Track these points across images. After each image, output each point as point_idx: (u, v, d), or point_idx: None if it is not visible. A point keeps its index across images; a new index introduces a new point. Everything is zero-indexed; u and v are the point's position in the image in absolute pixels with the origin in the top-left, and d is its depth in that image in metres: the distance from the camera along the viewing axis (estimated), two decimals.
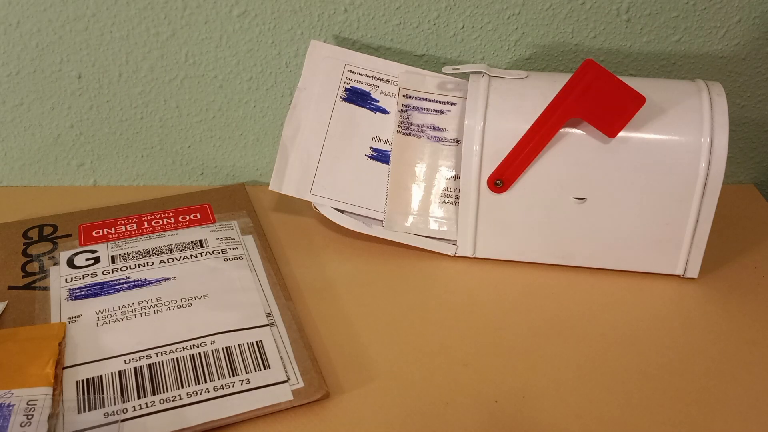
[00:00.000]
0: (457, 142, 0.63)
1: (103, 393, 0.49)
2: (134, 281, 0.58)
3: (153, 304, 0.56)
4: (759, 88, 0.71)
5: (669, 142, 0.58)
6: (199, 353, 0.52)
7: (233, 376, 0.51)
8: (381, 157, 0.65)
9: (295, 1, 0.65)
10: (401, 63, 0.65)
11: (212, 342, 0.53)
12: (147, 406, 0.48)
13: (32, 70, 0.67)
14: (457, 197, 0.63)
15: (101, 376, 0.50)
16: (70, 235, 0.64)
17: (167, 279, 0.58)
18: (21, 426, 0.45)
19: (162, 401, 0.49)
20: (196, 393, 0.49)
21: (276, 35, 0.67)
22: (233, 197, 0.70)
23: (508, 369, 0.53)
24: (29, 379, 0.49)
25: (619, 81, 0.57)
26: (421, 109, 0.63)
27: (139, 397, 0.49)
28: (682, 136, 0.58)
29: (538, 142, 0.58)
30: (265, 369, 0.51)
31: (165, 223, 0.65)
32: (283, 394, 0.50)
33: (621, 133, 0.58)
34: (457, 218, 0.63)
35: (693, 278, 0.62)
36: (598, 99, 0.57)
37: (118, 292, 0.57)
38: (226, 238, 0.63)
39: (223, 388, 0.50)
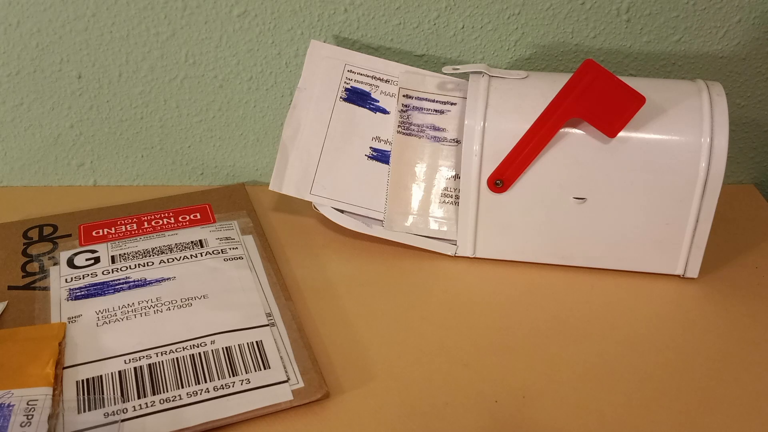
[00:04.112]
0: (457, 142, 0.63)
1: (103, 393, 0.49)
2: (134, 281, 0.58)
3: (153, 304, 0.56)
4: (759, 88, 0.71)
5: (669, 142, 0.58)
6: (199, 353, 0.52)
7: (233, 376, 0.51)
8: (381, 157, 0.65)
9: (295, 1, 0.65)
10: (401, 63, 0.65)
11: (212, 342, 0.53)
12: (147, 406, 0.48)
13: (32, 70, 0.67)
14: (457, 197, 0.63)
15: (101, 376, 0.50)
16: (70, 235, 0.64)
17: (167, 279, 0.58)
18: (21, 426, 0.45)
19: (162, 401, 0.49)
20: (196, 393, 0.49)
21: (276, 35, 0.67)
22: (233, 197, 0.70)
23: (508, 369, 0.53)
24: (29, 379, 0.49)
25: (619, 81, 0.57)
26: (421, 109, 0.63)
27: (139, 397, 0.49)
28: (682, 136, 0.58)
29: (538, 142, 0.58)
30: (265, 369, 0.51)
31: (165, 223, 0.65)
32: (283, 394, 0.50)
33: (621, 133, 0.58)
34: (457, 218, 0.63)
35: (693, 278, 0.62)
36: (598, 99, 0.57)
37: (118, 292, 0.57)
38: (226, 238, 0.63)
39: (223, 388, 0.50)
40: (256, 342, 0.53)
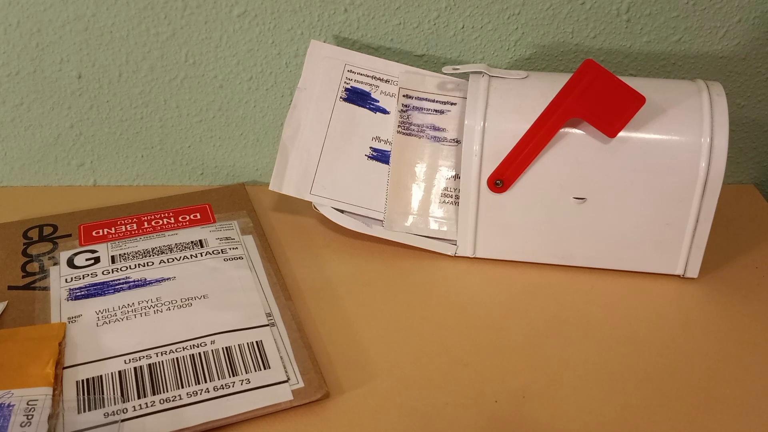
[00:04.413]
0: (457, 142, 0.63)
1: (103, 393, 0.49)
2: (134, 281, 0.58)
3: (153, 304, 0.56)
4: (759, 88, 0.71)
5: (669, 142, 0.58)
6: (199, 353, 0.52)
7: (233, 376, 0.51)
8: (381, 157, 0.65)
9: (295, 1, 0.65)
10: (401, 63, 0.65)
11: (212, 342, 0.53)
12: (147, 406, 0.48)
13: (32, 70, 0.67)
14: (457, 197, 0.63)
15: (101, 376, 0.50)
16: (70, 235, 0.64)
17: (167, 279, 0.58)
18: (21, 426, 0.45)
19: (162, 401, 0.49)
20: (196, 393, 0.49)
21: (276, 35, 0.67)
22: (233, 197, 0.70)
23: (508, 369, 0.53)
24: (29, 379, 0.49)
25: (619, 81, 0.57)
26: (421, 109, 0.63)
27: (139, 397, 0.49)
28: (682, 136, 0.58)
29: (538, 142, 0.58)
30: (265, 369, 0.51)
31: (165, 223, 0.65)
32: (283, 394, 0.50)
33: (621, 133, 0.58)
34: (457, 218, 0.63)
35: (693, 278, 0.62)
36: (598, 99, 0.57)
37: (118, 292, 0.57)
38: (226, 238, 0.63)
39: (223, 388, 0.50)
40: (256, 342, 0.53)
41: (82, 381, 0.50)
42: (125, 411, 0.48)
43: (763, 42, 0.68)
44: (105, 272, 0.59)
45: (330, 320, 0.58)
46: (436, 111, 0.63)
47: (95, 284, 0.58)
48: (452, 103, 0.63)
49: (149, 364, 0.51)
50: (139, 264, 0.60)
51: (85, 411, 0.48)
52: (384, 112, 0.65)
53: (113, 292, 0.57)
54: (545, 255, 0.63)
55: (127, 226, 0.65)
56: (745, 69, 0.70)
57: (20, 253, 0.62)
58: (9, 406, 0.47)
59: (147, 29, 0.66)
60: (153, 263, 0.60)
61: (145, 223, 0.65)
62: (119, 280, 0.58)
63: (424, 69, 0.66)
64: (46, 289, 0.58)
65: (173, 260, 0.60)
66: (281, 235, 0.67)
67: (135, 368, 0.51)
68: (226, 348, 0.53)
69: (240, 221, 0.66)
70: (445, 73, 0.63)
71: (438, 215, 0.64)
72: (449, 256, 0.64)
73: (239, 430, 0.48)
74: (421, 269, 0.63)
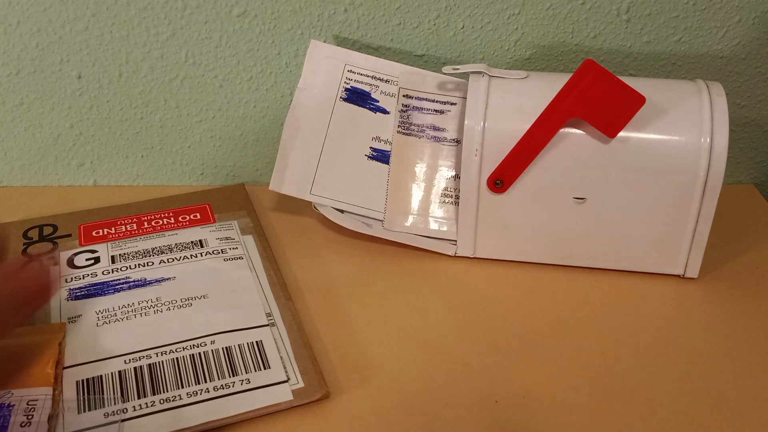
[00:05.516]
0: (457, 142, 0.63)
1: (103, 393, 0.49)
2: (134, 281, 0.58)
3: (153, 304, 0.56)
4: (759, 88, 0.71)
5: (669, 142, 0.58)
6: (199, 353, 0.52)
7: (233, 376, 0.51)
8: (381, 157, 0.65)
9: (295, 1, 0.65)
10: (401, 63, 0.65)
11: (212, 342, 0.53)
12: (147, 406, 0.48)
13: (32, 70, 0.67)
14: (457, 197, 0.63)
15: (101, 376, 0.50)
16: (70, 235, 0.64)
17: (167, 279, 0.58)
18: (21, 426, 0.45)
19: (162, 401, 0.49)
20: (196, 393, 0.49)
21: (276, 35, 0.67)
22: (233, 197, 0.70)
23: (508, 369, 0.53)
24: (29, 379, 0.49)
25: (619, 81, 0.57)
26: (421, 109, 0.63)
27: (139, 397, 0.49)
28: (682, 136, 0.58)
29: (538, 142, 0.58)
30: (265, 369, 0.51)
31: (165, 223, 0.65)
32: (283, 394, 0.50)
33: (621, 133, 0.58)
34: (457, 218, 0.63)
35: (693, 278, 0.62)
36: (598, 99, 0.57)
37: (118, 292, 0.57)
38: (226, 238, 0.63)
39: (223, 388, 0.50)
40: (256, 342, 0.53)
41: (82, 381, 0.50)
42: (125, 411, 0.48)
43: (763, 42, 0.68)
44: (105, 272, 0.59)
45: (330, 320, 0.58)
46: (436, 111, 0.63)
47: (95, 284, 0.58)
48: (452, 103, 0.63)
49: (149, 364, 0.51)
50: (139, 264, 0.60)
51: (85, 411, 0.48)
52: (384, 112, 0.65)
53: (113, 292, 0.57)
54: (545, 255, 0.63)
55: (127, 226, 0.65)
56: (745, 69, 0.70)
57: (20, 254, 0.62)
58: (9, 406, 0.47)
59: (147, 29, 0.66)
60: (153, 263, 0.60)
61: (145, 223, 0.65)
62: (119, 280, 0.58)
63: (424, 69, 0.65)
64: None
65: (173, 260, 0.60)
66: (281, 235, 0.67)
67: (135, 368, 0.51)
68: (226, 348, 0.53)
69: (240, 221, 0.66)
70: (445, 73, 0.63)
71: (438, 215, 0.64)
72: (449, 256, 0.64)
73: (239, 430, 0.48)
74: (421, 269, 0.63)
